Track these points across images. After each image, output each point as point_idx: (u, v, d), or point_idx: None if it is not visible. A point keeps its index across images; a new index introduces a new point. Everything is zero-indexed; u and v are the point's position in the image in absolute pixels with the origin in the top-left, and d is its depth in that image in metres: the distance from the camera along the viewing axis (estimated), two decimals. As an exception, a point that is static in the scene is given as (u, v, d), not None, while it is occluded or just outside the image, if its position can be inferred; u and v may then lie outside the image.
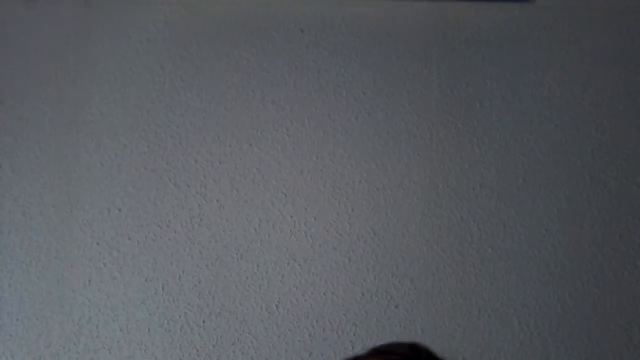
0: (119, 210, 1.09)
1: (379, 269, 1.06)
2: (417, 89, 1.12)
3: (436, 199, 1.07)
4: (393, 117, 1.11)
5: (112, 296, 1.05)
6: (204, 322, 1.04)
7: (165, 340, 1.04)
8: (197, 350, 1.03)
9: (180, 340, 1.04)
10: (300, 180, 1.09)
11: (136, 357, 1.03)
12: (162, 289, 1.05)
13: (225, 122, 1.12)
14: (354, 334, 1.04)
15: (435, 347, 0.63)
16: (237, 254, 1.06)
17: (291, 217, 1.08)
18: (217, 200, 1.09)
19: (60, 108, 1.13)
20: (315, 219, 1.07)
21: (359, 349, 0.80)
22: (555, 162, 1.09)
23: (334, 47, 1.15)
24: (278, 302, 1.05)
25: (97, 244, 1.07)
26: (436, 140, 1.10)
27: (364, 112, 1.12)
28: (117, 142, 1.11)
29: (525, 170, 1.09)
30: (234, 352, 1.03)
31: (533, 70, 1.13)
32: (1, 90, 1.13)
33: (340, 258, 1.06)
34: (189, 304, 1.05)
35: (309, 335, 1.04)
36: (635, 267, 1.05)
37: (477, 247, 1.06)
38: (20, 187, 1.10)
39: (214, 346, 1.03)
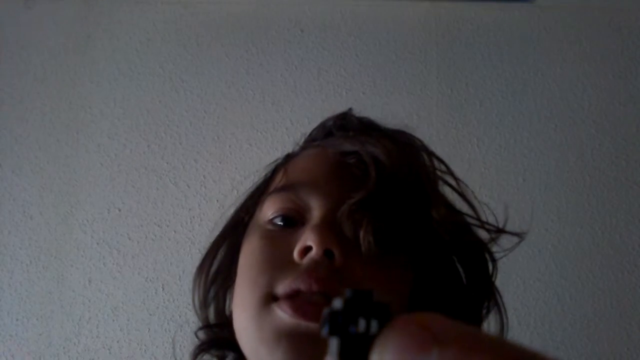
0: (119, 210, 1.08)
1: (379, 269, 1.05)
2: (417, 89, 1.12)
3: (436, 199, 1.07)
4: (393, 117, 1.11)
5: (112, 296, 1.05)
6: (204, 322, 1.04)
7: (165, 340, 1.03)
8: (197, 350, 1.03)
9: (180, 340, 1.03)
10: (300, 180, 1.09)
11: (136, 357, 1.03)
12: (162, 289, 1.05)
13: (225, 122, 1.12)
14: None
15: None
16: (237, 254, 1.06)
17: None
18: (217, 200, 1.09)
19: (60, 108, 1.13)
20: (315, 219, 1.07)
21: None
22: (555, 162, 1.09)
23: (334, 47, 1.15)
24: (278, 302, 1.05)
25: (97, 244, 1.07)
26: (436, 140, 1.09)
27: (364, 112, 1.12)
28: (117, 142, 1.11)
29: (525, 170, 1.09)
30: (234, 352, 1.03)
31: (533, 70, 1.13)
32: (1, 90, 1.14)
33: (340, 258, 1.06)
34: (189, 304, 1.04)
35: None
36: (636, 267, 1.05)
37: (477, 247, 1.06)
38: (20, 187, 1.10)
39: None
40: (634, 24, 1.14)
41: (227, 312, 0.54)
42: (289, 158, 0.55)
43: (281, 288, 0.43)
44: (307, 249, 0.43)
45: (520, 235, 0.51)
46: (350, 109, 0.56)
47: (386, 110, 1.12)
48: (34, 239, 1.08)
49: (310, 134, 0.57)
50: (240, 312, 0.46)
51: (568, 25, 1.14)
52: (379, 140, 0.47)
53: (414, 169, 0.47)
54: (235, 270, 0.50)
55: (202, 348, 0.54)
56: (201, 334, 0.55)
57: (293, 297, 0.42)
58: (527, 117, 1.11)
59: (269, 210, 0.48)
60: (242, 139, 1.11)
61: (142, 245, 1.07)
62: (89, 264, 1.07)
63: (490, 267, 0.51)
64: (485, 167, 1.09)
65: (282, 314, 0.42)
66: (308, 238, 0.43)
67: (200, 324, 0.55)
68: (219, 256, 0.56)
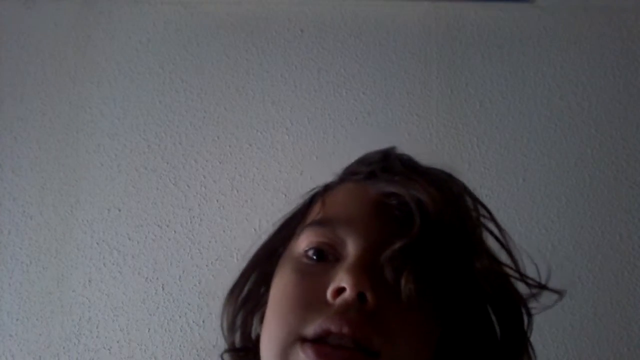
0: (119, 210, 1.09)
1: (379, 269, 1.05)
2: (417, 89, 1.12)
3: (436, 199, 1.07)
4: (393, 117, 1.12)
5: (112, 296, 1.05)
6: (203, 322, 1.04)
7: (165, 340, 1.04)
8: (197, 350, 1.03)
9: (180, 340, 1.04)
10: (300, 180, 1.09)
11: (136, 357, 1.03)
12: (162, 289, 1.05)
13: (225, 122, 1.12)
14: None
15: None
16: (237, 254, 1.06)
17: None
18: (217, 200, 1.09)
19: (60, 108, 1.13)
20: (315, 219, 1.07)
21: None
22: (555, 162, 1.09)
23: (334, 47, 1.15)
24: (278, 302, 1.05)
25: (97, 244, 1.07)
26: (436, 140, 1.10)
27: (364, 112, 1.12)
28: (117, 142, 1.11)
29: (525, 170, 1.09)
30: (234, 352, 1.03)
31: (533, 71, 1.13)
32: (1, 90, 1.14)
33: (340, 258, 1.06)
34: (189, 304, 1.05)
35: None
36: (635, 267, 1.05)
37: (477, 247, 1.05)
38: (20, 187, 1.10)
39: (214, 346, 1.03)
40: (634, 24, 1.14)
41: (252, 336, 0.55)
42: (327, 189, 0.54)
43: (311, 329, 0.43)
44: (340, 290, 0.43)
45: (560, 294, 0.51)
46: (393, 148, 0.55)
47: (386, 110, 1.12)
48: (34, 239, 1.08)
49: (350, 167, 0.56)
50: (267, 344, 0.46)
51: (568, 25, 1.14)
52: (424, 185, 0.46)
53: (459, 217, 0.47)
54: (264, 297, 0.51)
55: None
56: (226, 357, 0.55)
57: (319, 341, 0.42)
58: (527, 117, 1.11)
59: (304, 243, 0.48)
60: (242, 139, 1.11)
61: (142, 245, 1.07)
62: (89, 264, 1.07)
63: (526, 322, 0.50)
64: (485, 167, 1.09)
65: (306, 359, 0.42)
66: (342, 279, 0.43)
67: (226, 346, 0.56)
68: (250, 282, 0.56)
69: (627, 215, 1.07)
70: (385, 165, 0.52)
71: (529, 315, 0.51)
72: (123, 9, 1.17)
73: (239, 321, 0.55)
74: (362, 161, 0.55)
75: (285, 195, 1.09)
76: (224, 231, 1.08)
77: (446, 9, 1.15)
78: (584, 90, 1.12)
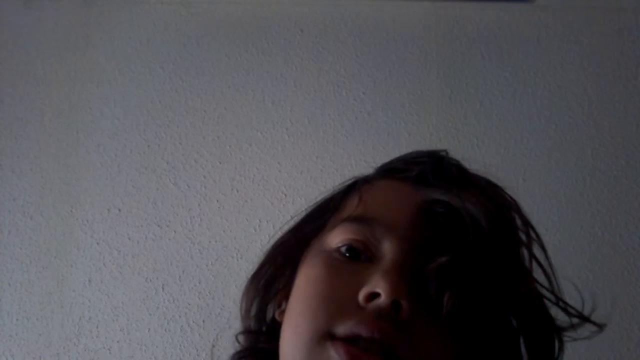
0: (119, 210, 1.08)
1: (379, 269, 1.05)
2: (417, 89, 1.12)
3: (436, 199, 1.06)
4: (393, 117, 1.11)
5: (112, 296, 1.05)
6: (204, 322, 1.04)
7: (165, 340, 1.04)
8: (197, 350, 1.03)
9: (180, 340, 1.04)
10: (300, 180, 1.09)
11: (136, 357, 1.03)
12: (162, 289, 1.05)
13: (225, 122, 1.12)
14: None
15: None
16: (237, 254, 1.06)
17: (291, 217, 1.07)
18: (217, 200, 1.09)
19: (60, 108, 1.13)
20: (315, 219, 1.07)
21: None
22: (555, 162, 1.09)
23: (334, 47, 1.15)
24: (278, 302, 1.04)
25: (97, 244, 1.07)
26: (436, 140, 1.10)
27: (364, 112, 1.12)
28: (117, 142, 1.11)
29: (525, 170, 1.09)
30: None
31: (533, 70, 1.13)
32: (1, 90, 1.14)
33: (340, 258, 1.06)
34: (189, 304, 1.05)
35: (309, 335, 1.03)
36: (635, 267, 1.05)
37: (477, 247, 1.05)
38: (20, 187, 1.10)
39: (213, 346, 1.03)
40: (634, 24, 1.14)
41: (267, 320, 0.54)
42: (365, 182, 0.52)
43: (341, 329, 0.41)
44: (374, 295, 0.42)
45: (601, 327, 0.50)
46: (446, 152, 0.53)
47: (386, 110, 1.12)
48: (34, 239, 1.08)
49: (392, 164, 0.53)
50: (291, 336, 0.45)
51: (568, 25, 1.14)
52: (481, 201, 0.45)
53: (510, 238, 0.46)
54: (286, 282, 0.50)
55: (240, 355, 0.54)
56: (241, 338, 0.55)
57: (351, 342, 0.41)
58: (527, 117, 1.11)
59: (338, 238, 0.46)
60: (242, 139, 1.11)
61: (142, 245, 1.07)
62: (89, 264, 1.06)
63: (557, 349, 0.49)
64: (485, 167, 1.09)
65: (336, 357, 0.41)
66: (378, 285, 0.41)
67: (242, 329, 0.56)
68: (273, 267, 0.54)
69: (627, 215, 1.07)
70: (437, 169, 0.49)
71: (561, 342, 0.50)
72: (123, 9, 1.16)
73: (256, 305, 0.54)
74: (409, 160, 0.52)
75: (285, 195, 1.09)
76: (224, 231, 1.08)
77: (446, 9, 1.15)
78: (584, 90, 1.12)
